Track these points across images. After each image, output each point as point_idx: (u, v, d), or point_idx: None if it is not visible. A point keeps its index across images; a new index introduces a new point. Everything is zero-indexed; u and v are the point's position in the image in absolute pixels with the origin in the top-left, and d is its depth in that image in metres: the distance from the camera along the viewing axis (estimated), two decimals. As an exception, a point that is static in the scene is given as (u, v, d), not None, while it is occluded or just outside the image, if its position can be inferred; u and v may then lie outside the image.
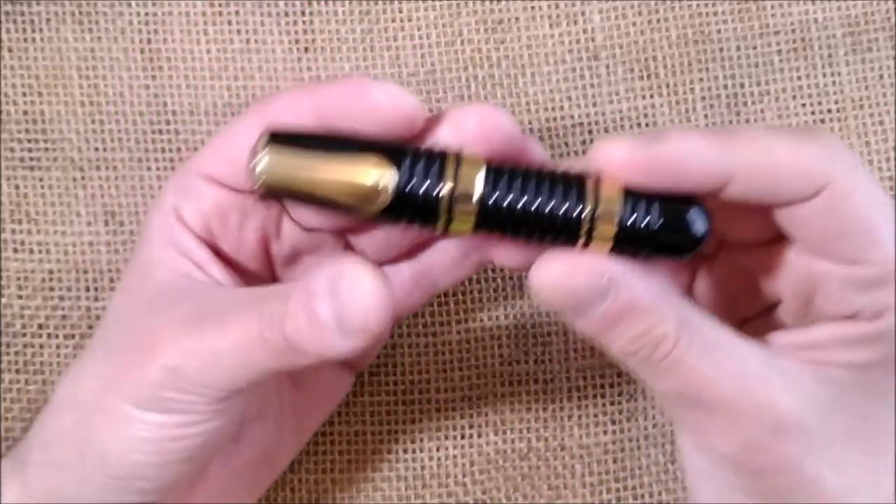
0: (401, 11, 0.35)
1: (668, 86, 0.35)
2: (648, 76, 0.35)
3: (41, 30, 0.35)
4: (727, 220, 0.25)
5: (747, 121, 0.35)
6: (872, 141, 0.35)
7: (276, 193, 0.23)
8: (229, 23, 0.35)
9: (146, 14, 0.35)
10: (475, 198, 0.22)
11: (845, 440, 0.24)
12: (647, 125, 0.35)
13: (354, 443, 0.34)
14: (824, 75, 0.35)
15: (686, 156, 0.22)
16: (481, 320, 0.35)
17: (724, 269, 0.28)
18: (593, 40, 0.35)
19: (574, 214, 0.22)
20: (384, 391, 0.34)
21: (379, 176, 0.22)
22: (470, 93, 0.35)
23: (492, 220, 0.23)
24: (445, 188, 0.22)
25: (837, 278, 0.23)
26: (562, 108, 0.35)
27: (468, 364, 0.34)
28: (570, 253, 0.23)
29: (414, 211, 0.23)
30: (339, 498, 0.34)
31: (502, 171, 0.23)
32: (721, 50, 0.35)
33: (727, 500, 0.25)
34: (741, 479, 0.24)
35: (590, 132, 0.35)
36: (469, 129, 0.24)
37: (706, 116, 0.35)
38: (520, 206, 0.22)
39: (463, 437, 0.34)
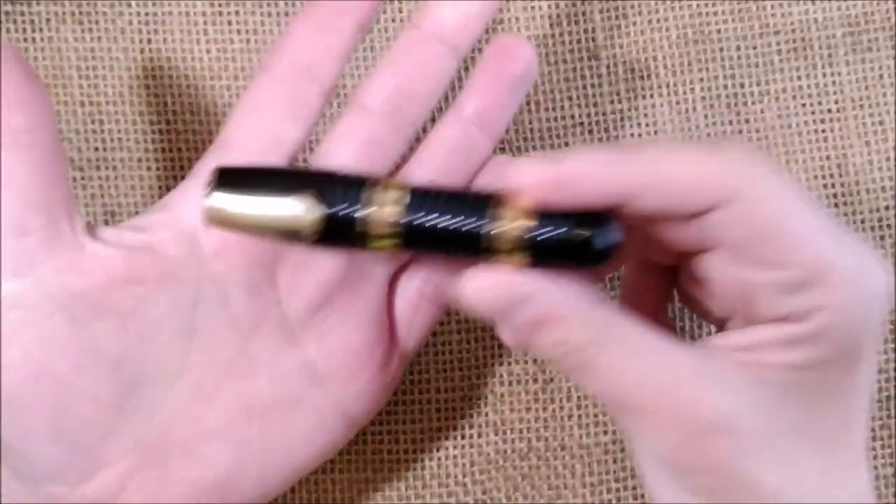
0: (401, 11, 0.35)
1: (668, 85, 0.35)
2: (649, 76, 0.35)
3: (41, 30, 0.35)
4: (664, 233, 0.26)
5: (747, 121, 0.35)
6: (872, 141, 0.35)
7: (222, 226, 0.26)
8: (229, 23, 0.35)
9: (146, 14, 0.35)
10: (399, 220, 0.24)
11: (792, 440, 0.24)
12: (647, 125, 0.35)
13: (354, 443, 0.34)
14: (824, 75, 0.35)
15: (587, 173, 0.23)
16: (481, 320, 0.34)
17: (684, 279, 0.28)
18: (594, 40, 0.35)
19: (490, 232, 0.24)
20: (384, 391, 0.34)
21: (308, 213, 0.25)
22: (470, 93, 0.35)
23: (415, 240, 0.25)
24: (370, 212, 0.24)
25: (762, 282, 0.24)
26: (562, 108, 0.35)
27: (468, 364, 0.34)
28: (490, 268, 0.24)
29: (344, 236, 0.25)
30: (339, 498, 0.34)
31: (423, 193, 0.25)
32: (721, 50, 0.35)
33: (677, 500, 0.25)
34: (681, 479, 0.25)
35: (590, 132, 0.35)
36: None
37: (706, 116, 0.35)
38: (440, 225, 0.24)
39: (463, 437, 0.34)
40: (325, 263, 0.29)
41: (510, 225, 0.24)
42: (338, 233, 0.25)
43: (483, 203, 0.24)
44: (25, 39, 0.35)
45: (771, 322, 0.24)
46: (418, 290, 0.29)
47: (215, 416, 0.28)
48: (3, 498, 0.27)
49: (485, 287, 0.24)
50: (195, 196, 0.28)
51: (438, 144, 0.29)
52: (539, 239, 0.24)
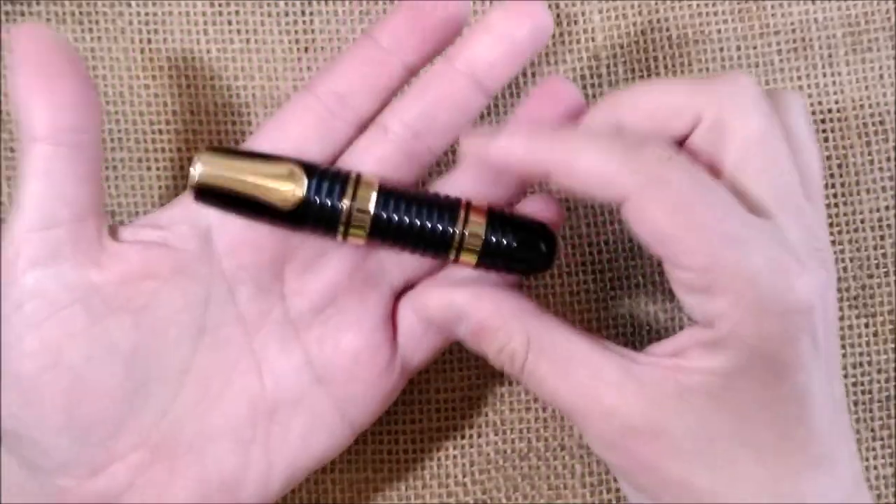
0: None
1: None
2: (649, 76, 0.35)
3: (41, 30, 0.35)
4: None
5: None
6: (873, 141, 0.35)
7: (208, 193, 0.27)
8: (229, 23, 0.35)
9: (146, 14, 0.35)
10: (368, 212, 0.27)
11: (727, 446, 0.25)
12: (647, 125, 0.35)
13: (354, 443, 0.34)
14: (824, 75, 0.35)
15: (509, 149, 0.26)
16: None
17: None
18: (593, 40, 0.35)
19: (447, 233, 0.27)
20: (384, 391, 0.34)
21: (292, 178, 0.27)
22: (470, 93, 0.35)
23: (381, 232, 0.27)
24: (345, 202, 0.27)
25: (673, 280, 0.25)
26: (562, 108, 0.35)
27: (468, 364, 0.34)
28: (429, 288, 0.28)
29: (318, 218, 0.27)
30: (339, 498, 0.34)
31: (392, 192, 0.27)
32: (721, 50, 0.35)
33: (632, 499, 0.27)
34: (625, 478, 0.27)
35: (590, 132, 0.35)
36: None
37: (706, 116, 0.35)
38: (404, 222, 0.27)
39: (463, 437, 0.34)
40: (333, 266, 0.29)
41: (463, 228, 0.27)
42: (312, 215, 0.27)
43: (443, 206, 0.27)
44: (25, 39, 0.35)
45: (694, 325, 0.25)
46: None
47: (221, 414, 0.28)
48: (13, 495, 0.28)
49: (429, 306, 0.27)
50: None
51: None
52: (488, 244, 0.27)
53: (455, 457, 0.34)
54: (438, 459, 0.34)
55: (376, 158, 0.29)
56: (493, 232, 0.27)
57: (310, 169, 0.27)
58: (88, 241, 0.27)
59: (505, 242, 0.27)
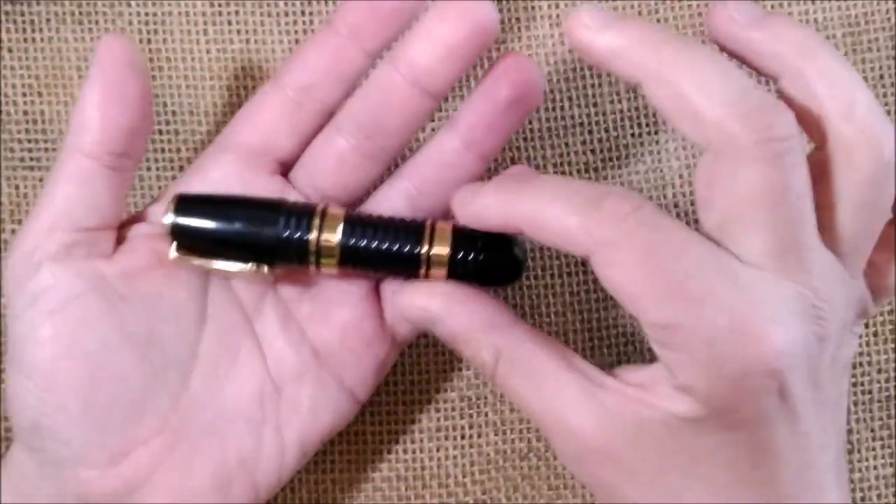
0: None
1: (668, 86, 0.35)
2: (648, 76, 0.35)
3: (41, 30, 0.35)
4: None
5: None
6: (872, 141, 0.35)
7: (186, 257, 0.29)
8: (229, 23, 0.35)
9: (146, 14, 0.35)
10: (336, 242, 0.28)
11: (683, 481, 0.25)
12: (647, 125, 0.35)
13: (354, 443, 0.34)
14: (824, 75, 0.35)
15: (484, 212, 0.27)
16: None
17: None
18: (593, 40, 0.35)
19: (414, 253, 0.28)
20: (384, 391, 0.34)
21: (258, 272, 0.29)
22: (470, 93, 0.35)
23: (351, 259, 0.28)
24: (312, 235, 0.28)
25: (640, 325, 0.25)
26: (562, 108, 0.35)
27: (468, 364, 0.34)
28: (411, 288, 0.28)
29: (291, 257, 0.28)
30: (339, 498, 0.34)
31: (357, 221, 0.28)
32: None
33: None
34: (592, 490, 0.28)
35: (590, 132, 0.35)
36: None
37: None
38: (372, 247, 0.28)
39: (463, 437, 0.34)
40: None
41: (430, 249, 0.28)
42: (286, 255, 0.29)
43: (409, 229, 0.28)
44: (25, 40, 0.35)
45: (659, 365, 0.25)
46: None
47: (231, 397, 0.29)
48: (27, 496, 0.28)
49: (405, 306, 0.28)
50: (196, 188, 0.29)
51: (426, 157, 0.30)
52: (454, 262, 0.28)
53: (455, 457, 0.34)
54: (438, 459, 0.34)
55: (334, 158, 0.29)
56: (459, 250, 0.28)
57: (277, 209, 0.28)
58: (104, 243, 0.28)
59: (471, 258, 0.28)
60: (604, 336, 0.34)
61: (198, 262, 0.29)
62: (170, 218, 0.28)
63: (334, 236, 0.28)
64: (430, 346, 0.34)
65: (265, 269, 0.29)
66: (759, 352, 0.24)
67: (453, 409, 0.34)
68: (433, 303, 0.28)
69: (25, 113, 0.34)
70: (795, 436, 0.25)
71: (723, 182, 0.24)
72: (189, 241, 0.28)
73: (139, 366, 0.28)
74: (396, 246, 0.28)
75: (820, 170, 0.26)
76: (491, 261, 0.28)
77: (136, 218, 0.30)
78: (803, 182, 0.25)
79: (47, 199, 0.28)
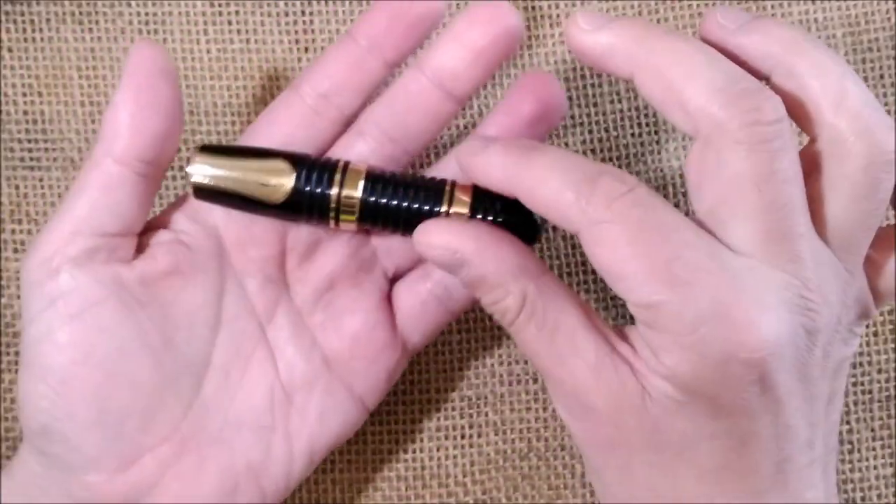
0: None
1: (668, 86, 0.35)
2: (648, 76, 0.35)
3: (41, 30, 0.35)
4: None
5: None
6: (873, 141, 0.35)
7: (205, 192, 0.28)
8: (229, 23, 0.35)
9: (146, 14, 0.35)
10: (356, 197, 0.28)
11: (672, 456, 0.25)
12: (647, 124, 0.35)
13: (354, 443, 0.34)
14: (824, 75, 0.35)
15: (487, 169, 0.27)
16: (481, 320, 0.35)
17: None
18: (593, 40, 0.35)
19: (433, 213, 0.28)
20: (384, 391, 0.34)
21: (281, 174, 0.28)
22: (470, 93, 0.35)
23: (371, 216, 0.28)
24: (334, 190, 0.28)
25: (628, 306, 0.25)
26: (562, 108, 0.35)
27: (468, 364, 0.34)
28: (440, 225, 0.27)
29: (310, 207, 0.28)
30: (339, 498, 0.34)
31: (379, 177, 0.28)
32: (721, 50, 0.35)
33: (585, 466, 0.29)
34: (576, 443, 0.28)
35: (590, 132, 0.35)
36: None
37: (706, 116, 0.35)
38: (392, 204, 0.28)
39: (463, 437, 0.34)
40: (329, 254, 0.30)
41: (449, 207, 0.28)
42: (304, 204, 0.28)
43: (429, 187, 0.28)
44: (25, 39, 0.35)
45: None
46: (429, 290, 0.30)
47: (242, 404, 0.29)
48: (33, 497, 0.28)
49: (433, 244, 0.27)
50: None
51: (446, 171, 0.30)
52: (477, 218, 0.28)
53: (455, 457, 0.34)
54: (438, 459, 0.34)
55: (354, 160, 0.29)
56: (479, 209, 0.28)
57: (299, 160, 0.28)
58: (124, 253, 0.28)
59: (491, 219, 0.28)
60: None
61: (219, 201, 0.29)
62: (194, 168, 0.28)
63: (355, 191, 0.28)
64: (430, 346, 0.34)
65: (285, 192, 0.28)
66: (742, 339, 0.24)
67: (453, 409, 0.34)
68: (464, 243, 0.27)
69: (25, 113, 0.34)
70: (778, 428, 0.25)
71: (711, 168, 0.25)
72: (211, 191, 0.28)
73: (153, 373, 0.28)
74: (417, 204, 0.28)
75: (814, 162, 0.26)
76: (510, 221, 0.28)
77: (155, 224, 0.29)
78: (792, 168, 0.25)
79: (71, 205, 0.27)
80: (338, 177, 0.28)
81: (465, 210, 0.28)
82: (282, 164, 0.28)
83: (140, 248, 0.29)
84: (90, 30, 0.35)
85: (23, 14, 0.35)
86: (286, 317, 0.30)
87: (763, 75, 0.26)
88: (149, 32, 0.35)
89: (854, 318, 0.27)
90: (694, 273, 0.24)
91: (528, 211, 0.28)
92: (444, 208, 0.28)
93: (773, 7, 0.35)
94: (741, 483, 0.25)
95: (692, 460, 0.25)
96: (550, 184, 0.25)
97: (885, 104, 0.35)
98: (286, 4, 0.35)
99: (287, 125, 0.29)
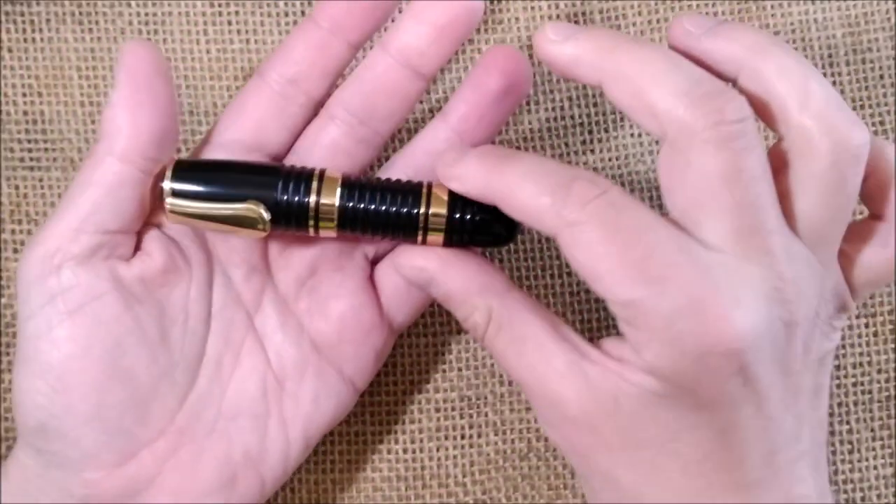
0: (400, 12, 0.35)
1: (668, 86, 0.35)
2: (648, 76, 0.35)
3: (41, 30, 0.35)
4: None
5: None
6: (872, 141, 0.35)
7: (183, 223, 0.29)
8: (229, 23, 0.35)
9: (146, 14, 0.35)
10: (334, 205, 0.28)
11: (656, 453, 0.26)
12: (647, 125, 0.35)
13: (354, 443, 0.34)
14: (824, 75, 0.35)
15: (464, 177, 0.27)
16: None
17: None
18: (593, 40, 0.35)
19: (412, 215, 0.28)
20: (384, 391, 0.34)
21: (256, 221, 0.28)
22: (470, 93, 0.35)
23: (350, 222, 0.29)
24: (311, 199, 0.28)
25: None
26: (562, 108, 0.35)
27: (468, 364, 0.34)
28: (408, 250, 0.29)
29: (289, 219, 0.29)
30: (339, 498, 0.34)
31: (355, 184, 0.29)
32: (721, 50, 0.35)
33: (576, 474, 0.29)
34: (566, 455, 0.28)
35: (590, 132, 0.35)
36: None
37: (706, 116, 0.35)
38: (371, 209, 0.28)
39: (463, 437, 0.34)
40: (308, 240, 0.30)
41: (427, 209, 0.28)
42: (285, 219, 0.29)
43: (406, 190, 0.29)
44: (25, 40, 0.35)
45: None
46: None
47: (235, 394, 0.30)
48: (31, 496, 0.28)
49: (403, 266, 0.29)
50: None
51: (419, 148, 0.31)
52: (451, 221, 0.28)
53: (455, 457, 0.34)
54: (438, 459, 0.34)
55: (327, 145, 0.30)
56: (456, 209, 0.28)
57: (273, 177, 0.29)
58: (125, 250, 0.29)
59: (468, 217, 0.28)
60: (603, 335, 0.34)
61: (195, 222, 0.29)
62: (168, 183, 0.28)
63: (333, 199, 0.28)
64: (430, 346, 0.34)
65: (263, 217, 0.28)
66: (719, 331, 0.24)
67: (453, 409, 0.34)
68: (430, 263, 0.28)
69: (25, 113, 0.34)
70: (761, 419, 0.25)
71: (680, 170, 0.25)
72: (188, 206, 0.28)
73: (150, 367, 0.28)
74: (395, 207, 0.28)
75: (782, 160, 0.26)
76: (487, 221, 0.28)
77: (150, 221, 0.30)
78: (759, 165, 0.25)
79: (74, 202, 0.28)
80: (314, 185, 0.28)
81: (443, 210, 0.28)
82: (255, 208, 0.28)
83: (137, 246, 0.29)
84: (90, 30, 0.35)
85: (23, 14, 0.35)
86: (272, 305, 0.30)
87: (730, 78, 0.27)
88: (149, 33, 0.35)
89: (833, 311, 0.27)
90: (668, 269, 0.24)
91: None
92: (422, 210, 0.28)
93: (772, 7, 0.35)
94: (728, 475, 0.26)
95: (676, 452, 0.26)
96: (526, 190, 0.26)
97: (885, 104, 0.35)
98: (286, 5, 0.35)
99: (258, 113, 0.30)
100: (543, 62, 0.28)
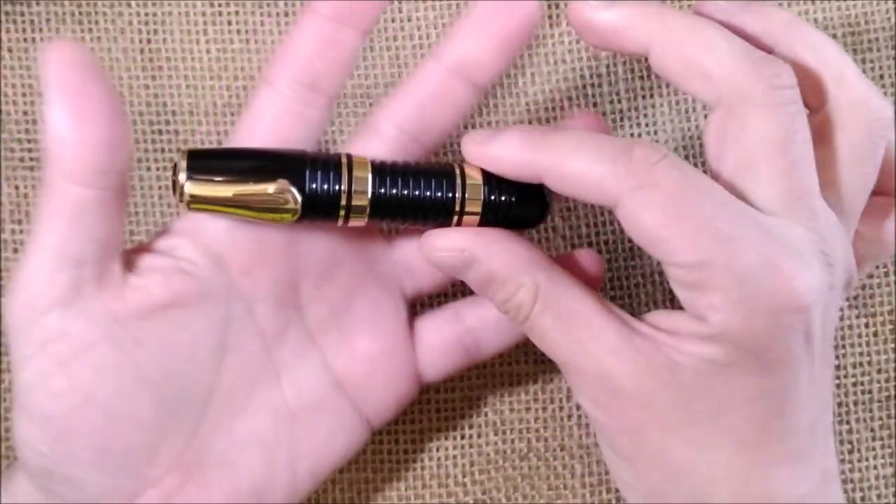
0: (400, 11, 0.35)
1: (667, 85, 0.35)
2: (648, 76, 0.35)
3: (41, 30, 0.35)
4: None
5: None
6: (872, 141, 0.35)
7: (202, 210, 0.27)
8: (229, 23, 0.35)
9: (146, 14, 0.35)
10: (365, 192, 0.27)
11: (707, 428, 0.25)
12: (647, 125, 0.35)
13: (354, 443, 0.34)
14: (824, 75, 0.35)
15: (503, 155, 0.27)
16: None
17: None
18: (593, 40, 0.35)
19: (446, 199, 0.27)
20: (384, 391, 0.34)
21: (286, 202, 0.26)
22: (470, 93, 0.35)
23: (382, 210, 0.27)
24: (343, 188, 0.27)
25: (669, 276, 0.26)
26: (562, 108, 0.35)
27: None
28: (444, 231, 0.27)
29: (318, 210, 0.27)
30: (339, 498, 0.34)
31: (385, 168, 0.27)
32: (721, 50, 0.35)
33: (607, 460, 0.28)
34: (604, 437, 0.27)
35: (590, 132, 0.35)
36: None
37: (706, 116, 0.35)
38: (404, 196, 0.27)
39: (463, 437, 0.34)
40: (346, 272, 0.29)
41: (463, 192, 0.27)
42: (314, 209, 0.27)
43: (438, 173, 0.27)
44: (25, 40, 0.35)
45: (687, 313, 0.26)
46: (457, 336, 0.30)
47: (246, 427, 0.29)
48: None
49: (439, 248, 0.27)
50: (215, 217, 0.28)
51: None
52: (487, 203, 0.27)
53: (455, 457, 0.34)
54: (438, 459, 0.34)
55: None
56: (491, 191, 0.27)
57: (299, 171, 0.27)
58: (111, 276, 0.26)
59: (504, 199, 0.27)
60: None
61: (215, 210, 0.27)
62: (184, 174, 0.26)
63: (365, 186, 0.27)
64: (430, 346, 0.34)
65: (292, 198, 0.26)
66: (791, 288, 0.24)
67: (453, 409, 0.34)
68: (471, 242, 0.27)
69: (25, 113, 0.34)
70: (812, 385, 0.26)
71: (734, 133, 0.26)
72: (208, 210, 0.27)
73: (154, 409, 0.27)
74: (429, 192, 0.27)
75: (817, 132, 0.27)
76: (523, 201, 0.28)
77: (145, 248, 0.28)
78: (806, 130, 0.26)
79: (41, 241, 0.26)
80: (344, 172, 0.27)
81: (479, 192, 0.27)
82: (285, 186, 0.26)
83: (134, 272, 0.27)
84: (90, 30, 0.35)
85: (23, 14, 0.35)
86: (296, 337, 0.29)
87: (766, 49, 0.28)
88: (149, 32, 0.35)
89: (845, 283, 0.27)
90: (736, 229, 0.25)
91: (541, 187, 0.27)
92: (457, 193, 0.27)
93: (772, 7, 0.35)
94: (780, 446, 0.26)
95: (730, 427, 0.25)
96: (582, 160, 0.25)
97: (885, 104, 0.35)
98: (286, 4, 0.35)
99: (278, 124, 0.28)
100: (580, 29, 0.27)
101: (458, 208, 0.27)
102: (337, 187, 0.27)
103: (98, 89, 0.25)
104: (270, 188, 0.26)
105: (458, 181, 0.27)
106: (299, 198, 0.26)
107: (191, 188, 0.26)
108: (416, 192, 0.27)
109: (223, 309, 0.28)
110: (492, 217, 0.28)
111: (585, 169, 0.25)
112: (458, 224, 0.28)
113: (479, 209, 0.27)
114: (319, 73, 0.28)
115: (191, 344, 0.27)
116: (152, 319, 0.27)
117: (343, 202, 0.27)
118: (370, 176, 0.27)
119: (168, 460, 0.27)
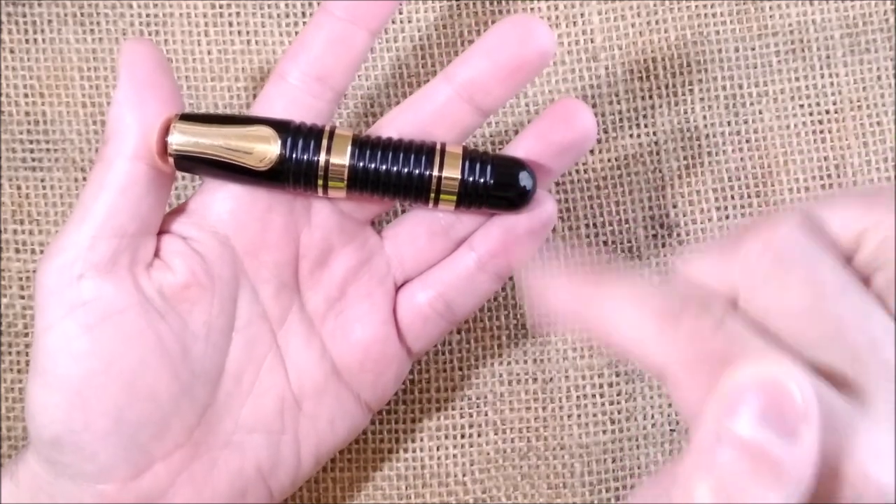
0: (401, 13, 0.36)
1: (667, 87, 0.35)
2: (647, 77, 0.35)
3: (43, 31, 0.35)
4: None
5: (745, 121, 0.35)
6: (870, 142, 0.35)
7: (187, 161, 0.28)
8: (230, 24, 0.35)
9: (147, 15, 0.35)
10: (344, 164, 0.27)
11: None
12: (646, 125, 0.35)
13: (355, 441, 0.34)
14: (822, 76, 0.35)
15: (556, 302, 0.23)
16: (481, 320, 0.35)
17: None
18: (592, 41, 0.36)
19: (423, 177, 0.28)
20: (384, 391, 0.34)
21: (267, 140, 0.27)
22: (470, 94, 0.35)
23: (360, 182, 0.28)
24: (321, 156, 0.27)
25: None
26: (561, 108, 0.35)
27: (468, 364, 0.34)
28: (756, 362, 0.20)
29: (297, 175, 0.28)
30: (340, 497, 0.34)
31: (366, 143, 0.28)
32: (720, 51, 0.35)
33: None
34: None
35: (589, 133, 0.35)
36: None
37: (705, 117, 0.35)
38: (382, 169, 0.28)
39: (463, 436, 0.34)
40: (342, 261, 0.30)
41: (440, 171, 0.28)
42: (291, 172, 0.28)
43: (418, 151, 0.28)
44: (27, 41, 0.35)
45: None
46: (430, 304, 0.30)
47: (252, 409, 0.29)
48: (41, 501, 0.28)
49: (746, 378, 0.19)
50: (220, 198, 0.29)
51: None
52: (465, 184, 0.28)
53: (455, 456, 0.34)
54: (438, 459, 0.34)
55: None
56: (470, 172, 0.28)
57: (283, 127, 0.28)
58: (145, 253, 0.28)
59: (482, 181, 0.28)
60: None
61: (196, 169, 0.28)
62: (175, 137, 0.27)
63: (343, 158, 0.27)
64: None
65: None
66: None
67: (453, 409, 0.34)
68: (787, 379, 0.19)
69: (27, 114, 0.34)
70: None
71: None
72: (193, 160, 0.28)
73: (171, 383, 0.28)
74: (407, 168, 0.27)
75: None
76: (500, 184, 0.28)
77: (174, 233, 0.29)
78: None
79: (89, 207, 0.27)
80: (325, 142, 0.27)
81: (457, 172, 0.27)
82: (266, 131, 0.27)
83: (166, 263, 0.28)
84: (92, 31, 0.35)
85: (24, 15, 0.35)
86: (298, 323, 0.30)
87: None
88: (150, 34, 0.35)
89: None
90: None
91: (518, 172, 0.28)
92: (434, 172, 0.27)
93: (770, 8, 0.35)
94: None
95: None
96: (626, 321, 0.22)
97: (884, 104, 0.35)
98: (287, 6, 0.35)
99: (286, 113, 0.28)
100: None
101: (434, 187, 0.28)
102: (317, 153, 0.27)
103: (165, 81, 0.28)
104: (253, 129, 0.27)
105: (437, 159, 0.28)
106: (279, 141, 0.27)
107: (176, 142, 0.27)
108: (395, 168, 0.28)
109: (232, 290, 0.29)
110: (469, 199, 0.28)
111: (630, 333, 0.22)
112: (436, 203, 0.28)
113: (455, 189, 0.28)
114: (329, 67, 0.29)
115: (206, 323, 0.28)
116: (175, 297, 0.28)
117: (321, 170, 0.27)
118: (350, 147, 0.28)
119: (178, 437, 0.28)
